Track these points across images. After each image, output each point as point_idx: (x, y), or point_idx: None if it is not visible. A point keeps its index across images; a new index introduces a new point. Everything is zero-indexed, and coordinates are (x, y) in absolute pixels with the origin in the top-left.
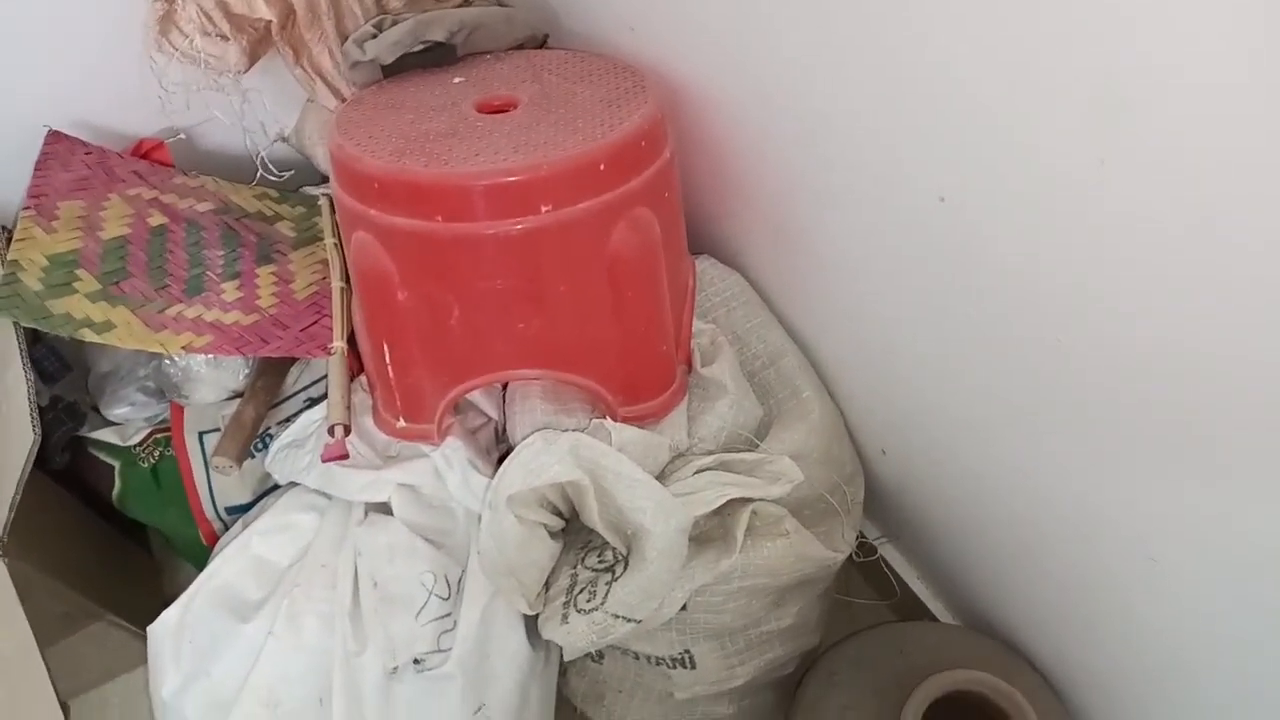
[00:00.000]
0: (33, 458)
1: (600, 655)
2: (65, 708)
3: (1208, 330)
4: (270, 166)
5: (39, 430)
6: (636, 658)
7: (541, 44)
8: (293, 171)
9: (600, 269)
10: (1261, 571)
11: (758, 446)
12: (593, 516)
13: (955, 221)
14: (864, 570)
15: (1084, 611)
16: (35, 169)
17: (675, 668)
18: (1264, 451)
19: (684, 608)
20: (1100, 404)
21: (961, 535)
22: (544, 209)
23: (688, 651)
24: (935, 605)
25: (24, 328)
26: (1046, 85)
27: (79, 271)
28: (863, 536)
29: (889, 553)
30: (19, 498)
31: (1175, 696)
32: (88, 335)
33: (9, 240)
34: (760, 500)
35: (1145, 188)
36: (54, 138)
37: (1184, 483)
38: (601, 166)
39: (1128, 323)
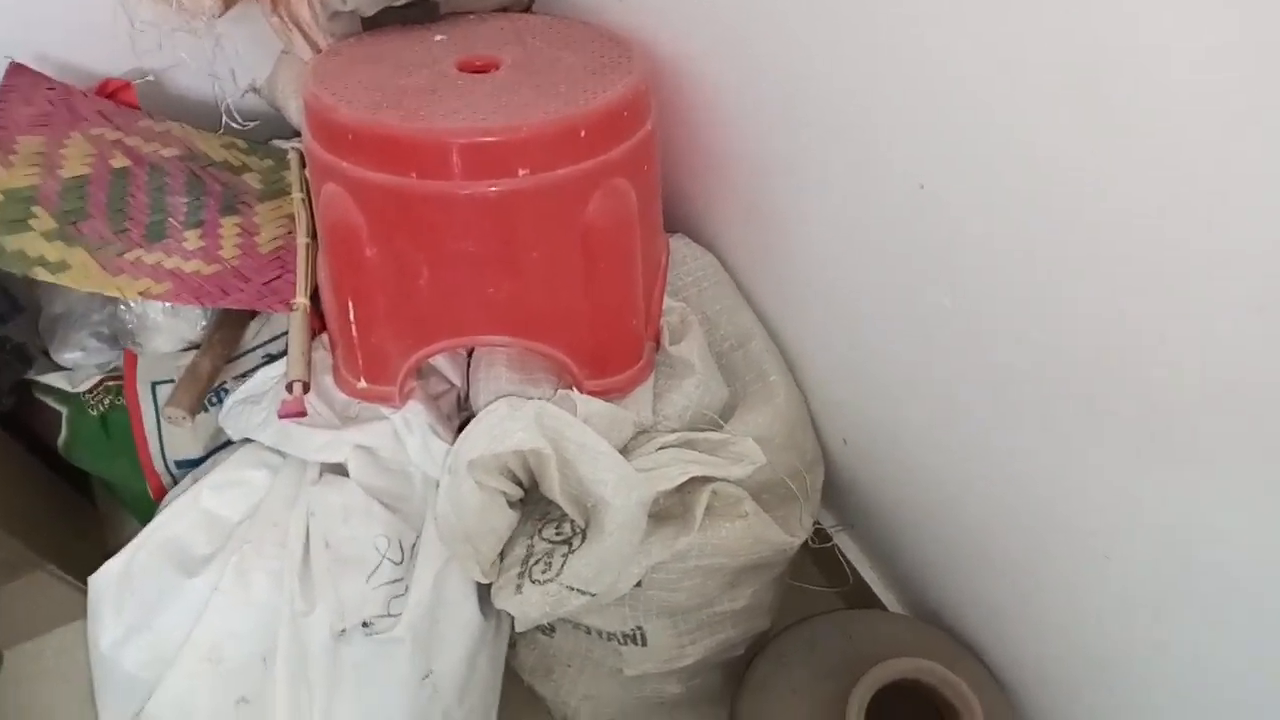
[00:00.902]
0: None
1: (551, 629)
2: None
3: (1173, 328)
4: (235, 115)
5: None
6: (588, 632)
7: (527, 8)
8: (258, 122)
9: (574, 237)
10: (1213, 571)
11: (722, 427)
12: (553, 487)
13: (934, 210)
14: (818, 557)
15: (1034, 606)
16: None
17: (626, 644)
18: (1222, 449)
19: (639, 584)
20: (1064, 400)
21: (916, 527)
22: (521, 172)
23: (640, 628)
24: (886, 596)
25: None
26: (1032, 71)
27: (35, 209)
28: (818, 524)
29: (843, 541)
30: None
31: (1122, 693)
32: (41, 274)
33: None
34: (721, 480)
35: (1124, 178)
36: (16, 70)
37: (1142, 480)
38: (582, 133)
39: (1096, 318)
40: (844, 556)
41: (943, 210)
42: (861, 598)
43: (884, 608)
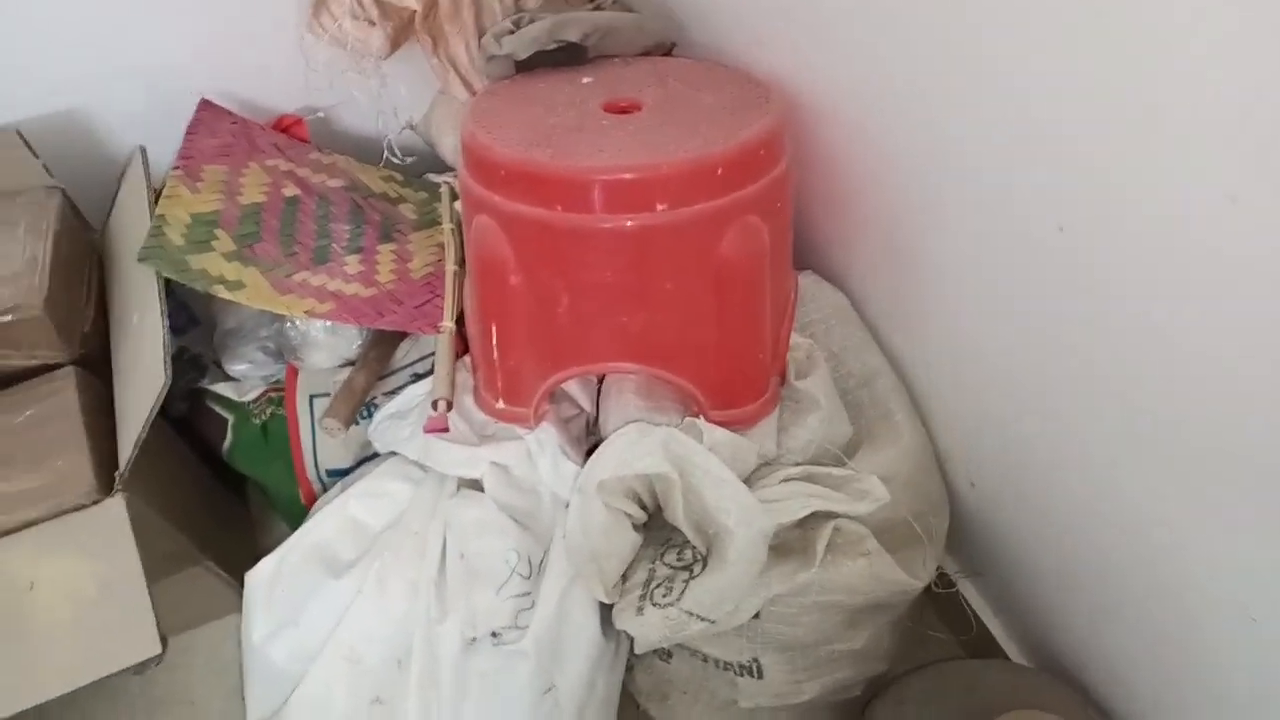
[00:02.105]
0: (160, 399)
1: (669, 654)
2: (163, 639)
3: None
4: (395, 150)
5: (170, 375)
6: (705, 660)
7: (668, 52)
8: (415, 158)
9: (707, 271)
10: None
11: (846, 464)
12: (677, 513)
13: (1073, 253)
14: (940, 603)
15: (1169, 665)
16: (186, 133)
17: (742, 675)
18: None
19: (757, 616)
20: (1209, 452)
21: (1044, 576)
22: (659, 207)
23: (756, 660)
24: (1009, 646)
25: (163, 278)
26: (1177, 122)
27: (218, 231)
28: (942, 569)
29: (967, 589)
30: (144, 437)
31: None
32: (221, 291)
33: (158, 197)
34: (844, 517)
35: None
36: (204, 106)
37: None
38: (719, 171)
39: (1238, 369)
40: (967, 603)
41: (1082, 253)
42: (983, 647)
43: (1006, 658)
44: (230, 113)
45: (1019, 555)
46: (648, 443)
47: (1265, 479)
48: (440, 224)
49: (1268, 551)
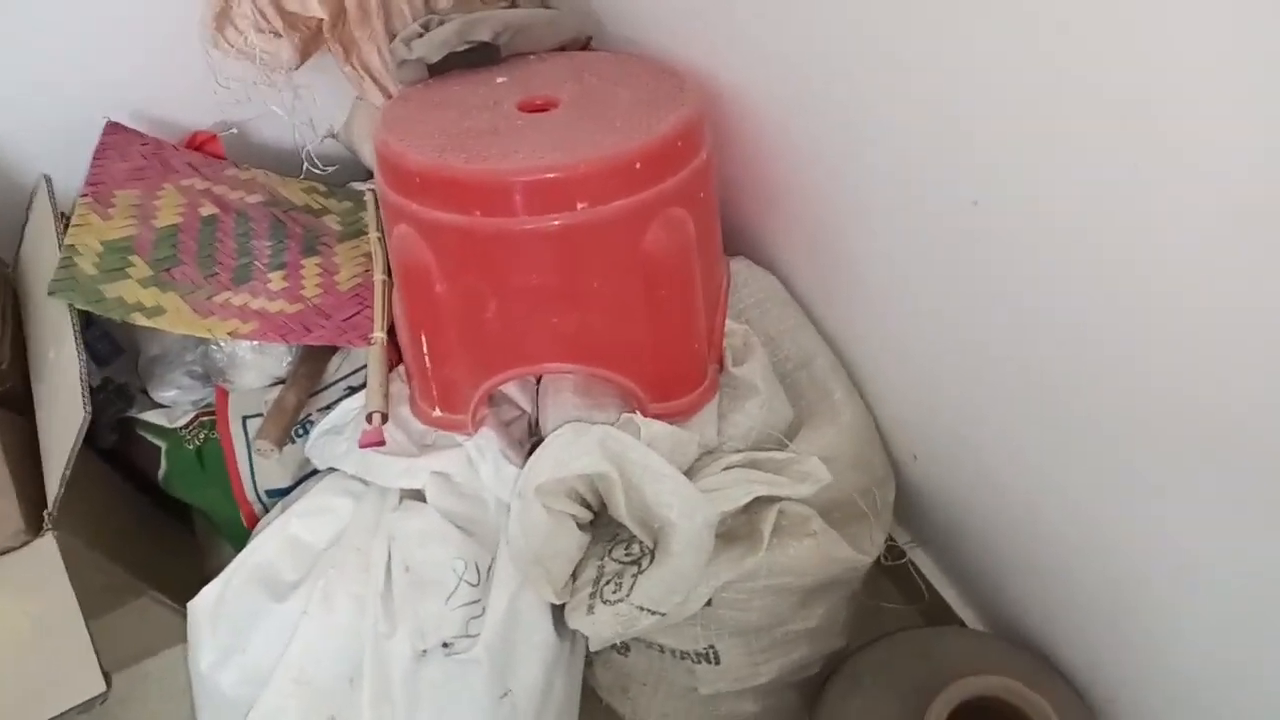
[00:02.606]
0: (82, 435)
1: (626, 647)
2: (107, 677)
3: (1244, 355)
4: (316, 161)
5: (89, 409)
6: (661, 651)
7: (584, 46)
8: (337, 167)
9: (634, 267)
10: None
11: (787, 447)
12: (620, 509)
13: (988, 225)
14: (893, 574)
15: (1121, 624)
16: (94, 158)
17: (700, 663)
18: None
19: (709, 603)
20: (1138, 412)
21: (993, 542)
22: (580, 206)
23: (712, 647)
24: (965, 612)
25: (78, 310)
26: (1083, 88)
27: (132, 258)
28: (892, 540)
29: (919, 557)
30: (69, 473)
31: (1209, 714)
32: (139, 319)
33: (67, 226)
34: (787, 499)
35: (1181, 190)
36: (112, 128)
37: (1229, 503)
38: (638, 165)
39: (1163, 330)
40: (919, 573)
41: (996, 227)
42: (939, 615)
43: (963, 624)
44: (140, 134)
45: (965, 523)
46: (584, 442)
47: (1190, 441)
48: (366, 233)
49: (1201, 511)
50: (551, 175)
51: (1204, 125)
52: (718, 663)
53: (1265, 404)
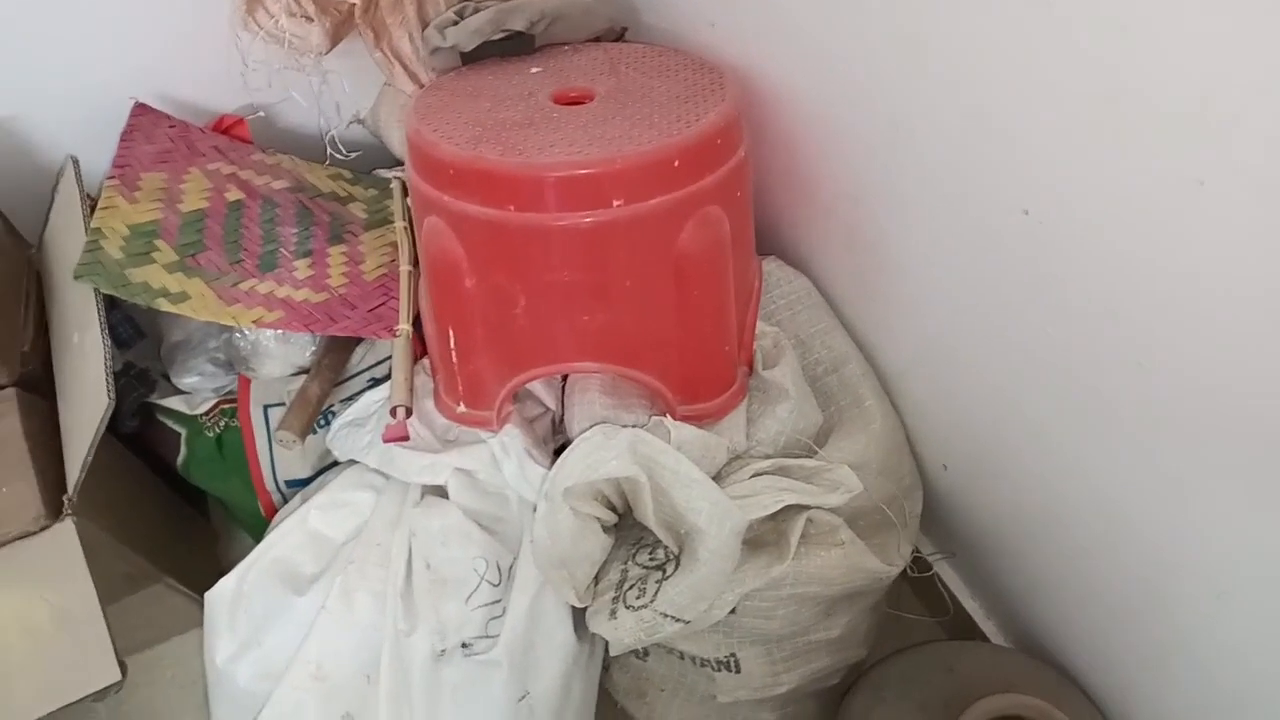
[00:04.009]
0: (105, 421)
1: (645, 653)
2: (122, 665)
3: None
4: (340, 146)
5: (113, 395)
6: (681, 657)
7: (619, 37)
8: (360, 153)
9: (667, 265)
10: None
11: (816, 453)
12: (647, 514)
13: (1038, 236)
14: (917, 586)
15: (1144, 644)
16: (120, 140)
17: (720, 670)
18: None
19: (733, 611)
20: (1176, 430)
21: (1020, 557)
22: (615, 203)
23: (733, 655)
24: (988, 626)
25: (103, 294)
26: (1144, 102)
27: (158, 242)
28: (918, 551)
29: (944, 570)
30: (90, 459)
31: None
32: (163, 305)
33: (93, 208)
34: (816, 508)
35: (1243, 209)
36: (140, 110)
37: (1258, 515)
38: (675, 163)
39: (1211, 346)
40: (944, 585)
41: (1047, 236)
42: (962, 628)
43: (986, 638)
44: (167, 116)
45: (993, 536)
46: (614, 446)
47: (1228, 457)
48: (392, 222)
49: (1232, 527)
50: (588, 171)
51: (1248, 134)
52: (738, 671)
53: None
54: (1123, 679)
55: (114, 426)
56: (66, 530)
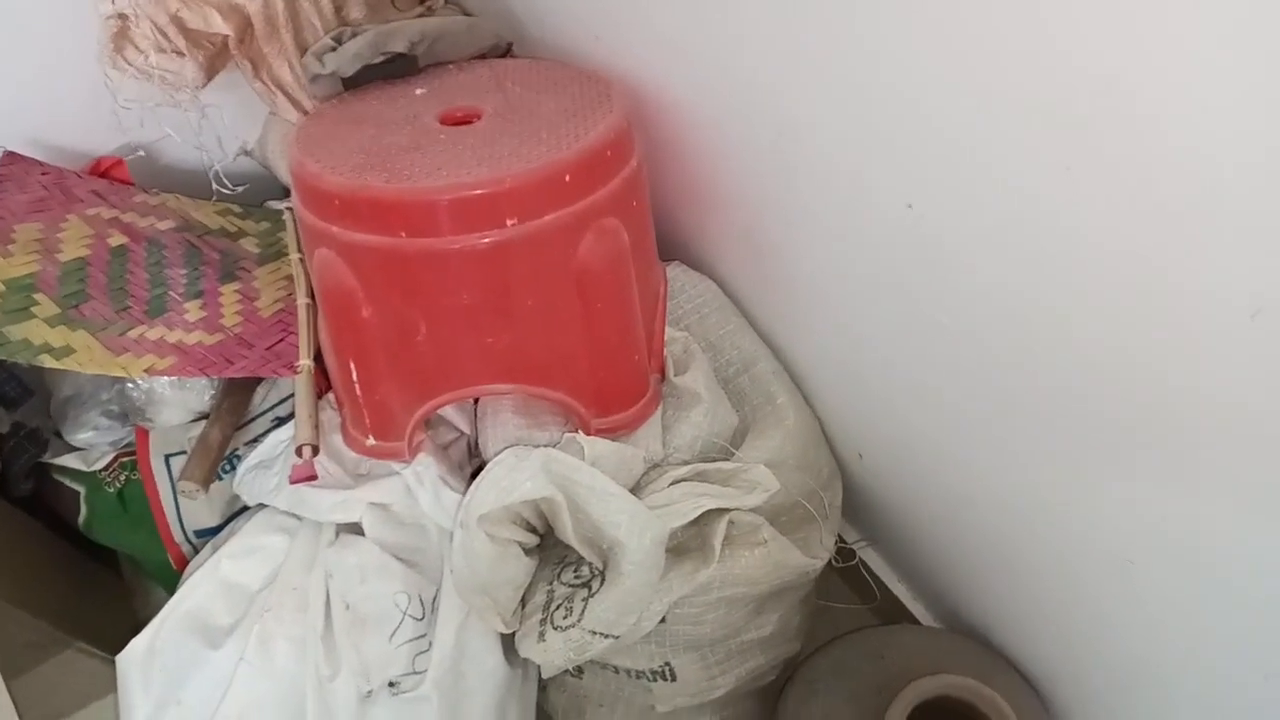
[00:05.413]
0: None
1: (580, 670)
2: None
3: (1173, 335)
4: (225, 181)
5: None
6: (616, 671)
7: (505, 53)
8: (247, 185)
9: (569, 280)
10: (1233, 571)
11: (734, 455)
12: (567, 532)
13: (922, 228)
14: (844, 574)
15: (1062, 613)
16: None
17: (656, 681)
18: (1234, 465)
19: (663, 620)
20: (1072, 417)
21: (939, 538)
22: (510, 222)
23: (668, 664)
24: (916, 607)
25: None
26: (1009, 91)
27: (37, 295)
28: (842, 541)
29: (869, 556)
30: None
31: (1153, 697)
32: (47, 361)
33: None
34: (736, 510)
35: (1110, 192)
36: (9, 159)
37: (1157, 497)
38: (567, 178)
39: (1093, 327)
40: (870, 572)
41: (930, 229)
42: (892, 611)
43: (915, 620)
44: (39, 163)
45: (913, 519)
46: (526, 467)
47: (1124, 430)
48: (287, 254)
49: (1137, 500)
50: (479, 192)
51: (1136, 129)
52: (674, 679)
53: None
54: (1048, 653)
55: (6, 491)
56: None
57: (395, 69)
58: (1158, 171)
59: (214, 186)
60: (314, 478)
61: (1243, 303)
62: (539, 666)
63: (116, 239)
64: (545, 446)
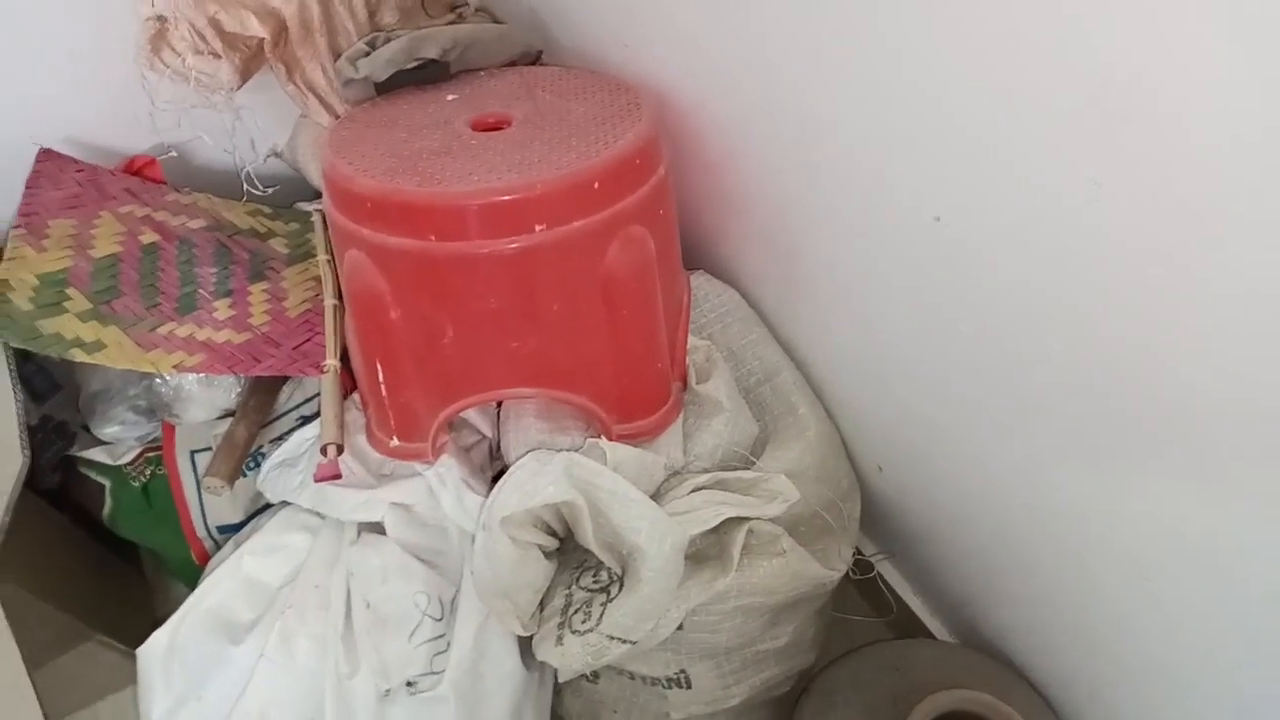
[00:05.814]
0: (22, 480)
1: (596, 675)
2: None
3: (1196, 334)
4: (256, 182)
5: (28, 452)
6: (632, 678)
7: (535, 60)
8: (278, 187)
9: (595, 287)
10: (1252, 587)
11: (754, 464)
12: (587, 537)
13: (950, 241)
14: (861, 587)
15: (1080, 628)
16: (26, 187)
17: (671, 688)
18: (1255, 467)
19: (680, 627)
20: (1094, 420)
21: (957, 552)
22: (538, 228)
23: (683, 671)
24: (933, 623)
25: (14, 347)
26: (1038, 103)
27: (69, 290)
28: (859, 553)
29: (886, 569)
30: (8, 519)
31: (1172, 708)
32: (78, 355)
33: None
34: (756, 519)
35: (1133, 191)
36: (45, 155)
37: (1178, 500)
38: (596, 185)
39: (1116, 325)
40: (887, 585)
41: (952, 227)
42: (908, 626)
43: (931, 635)
44: (75, 160)
45: (932, 533)
46: (549, 471)
47: (1145, 430)
48: (315, 256)
49: (1155, 515)
50: (508, 197)
51: (1166, 140)
52: (689, 687)
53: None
54: (1065, 667)
55: (33, 483)
56: None
57: (427, 75)
58: (1180, 169)
59: (244, 187)
60: (338, 477)
61: (1266, 302)
62: (555, 670)
63: (148, 236)
64: (567, 451)
